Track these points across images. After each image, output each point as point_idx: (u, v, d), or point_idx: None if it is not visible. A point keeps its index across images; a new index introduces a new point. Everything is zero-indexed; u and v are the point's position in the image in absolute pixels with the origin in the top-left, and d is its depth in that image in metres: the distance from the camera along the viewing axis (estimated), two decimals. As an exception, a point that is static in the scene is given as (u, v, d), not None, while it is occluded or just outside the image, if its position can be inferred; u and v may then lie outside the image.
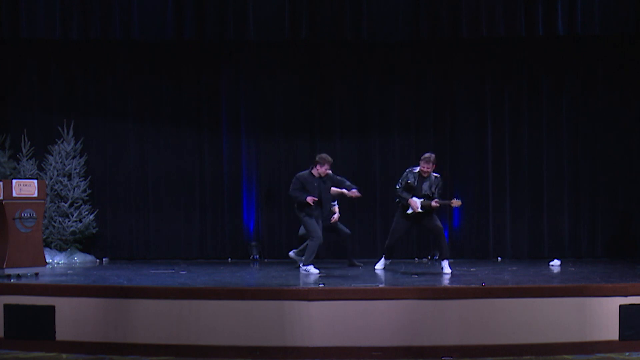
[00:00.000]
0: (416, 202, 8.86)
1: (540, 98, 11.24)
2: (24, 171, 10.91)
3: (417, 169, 8.97)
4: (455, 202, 8.92)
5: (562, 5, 9.99)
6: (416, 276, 8.51)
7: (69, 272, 9.30)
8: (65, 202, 11.01)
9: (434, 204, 8.78)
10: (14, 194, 9.47)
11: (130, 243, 11.40)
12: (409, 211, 8.94)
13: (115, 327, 7.01)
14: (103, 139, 11.42)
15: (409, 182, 8.94)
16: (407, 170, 9.09)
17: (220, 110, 11.43)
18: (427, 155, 8.95)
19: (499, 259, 11.05)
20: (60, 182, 11.01)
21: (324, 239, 9.16)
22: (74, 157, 11.14)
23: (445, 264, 8.92)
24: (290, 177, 10.25)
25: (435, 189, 8.92)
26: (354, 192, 9.17)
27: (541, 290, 7.03)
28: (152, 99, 11.42)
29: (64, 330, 7.09)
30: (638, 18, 9.97)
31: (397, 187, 9.07)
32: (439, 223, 9.00)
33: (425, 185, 8.89)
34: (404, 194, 8.96)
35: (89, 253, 11.20)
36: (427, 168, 8.86)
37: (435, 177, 8.97)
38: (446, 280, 8.19)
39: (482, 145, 11.29)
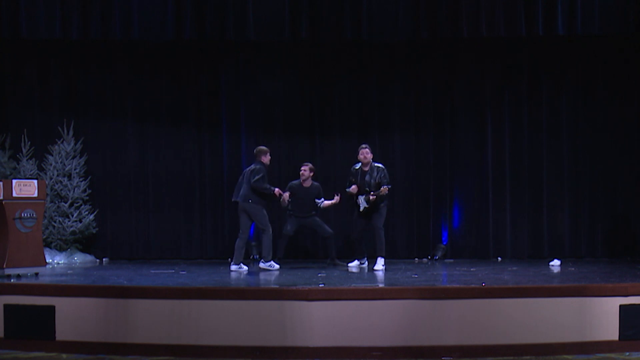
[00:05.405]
0: (360, 200, 9.41)
1: (540, 98, 11.24)
2: (24, 171, 10.91)
3: (358, 165, 9.53)
4: (383, 190, 9.24)
5: (562, 5, 10.00)
6: (416, 276, 8.51)
7: (69, 272, 9.30)
8: (65, 202, 11.01)
9: (370, 197, 9.24)
10: (14, 194, 9.50)
11: (130, 243, 11.39)
12: (361, 209, 9.40)
13: (115, 327, 7.01)
14: (103, 139, 11.42)
15: (352, 179, 9.51)
16: (351, 168, 9.65)
17: (220, 110, 11.43)
18: (362, 145, 9.57)
19: (499, 259, 11.05)
20: (60, 182, 11.01)
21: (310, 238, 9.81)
22: (74, 157, 11.14)
23: (380, 260, 9.37)
24: (290, 176, 10.31)
25: (378, 179, 9.34)
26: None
27: (541, 290, 7.03)
28: (152, 98, 11.42)
29: (64, 330, 7.09)
30: (638, 18, 9.97)
31: (347, 185, 9.58)
32: (377, 222, 9.37)
33: (368, 178, 9.37)
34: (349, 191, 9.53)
35: (89, 253, 11.20)
36: (363, 154, 9.38)
37: (377, 167, 9.43)
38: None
39: (482, 145, 11.28)
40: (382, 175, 9.39)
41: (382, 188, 9.26)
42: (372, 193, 9.26)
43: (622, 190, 11.16)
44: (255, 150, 9.55)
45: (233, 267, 9.29)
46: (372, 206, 9.35)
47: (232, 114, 11.44)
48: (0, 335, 7.23)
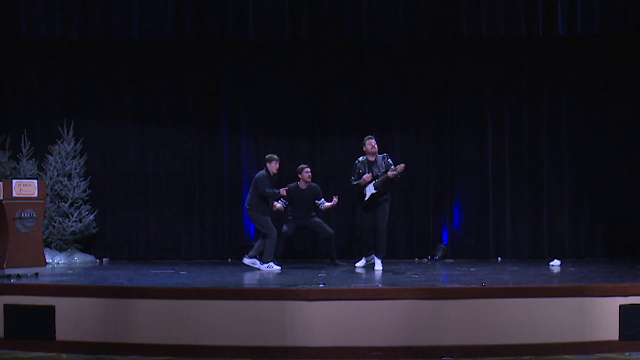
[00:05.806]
0: (368, 187, 9.36)
1: (540, 98, 11.25)
2: (24, 171, 10.91)
3: (363, 157, 9.53)
4: (399, 167, 9.26)
5: (562, 5, 10.00)
6: (416, 276, 8.51)
7: (69, 272, 9.30)
8: (65, 202, 11.01)
9: (389, 173, 9.18)
10: (14, 194, 9.51)
11: (130, 243, 11.39)
12: (367, 196, 9.34)
13: (115, 327, 7.01)
14: (103, 139, 11.42)
15: (360, 171, 9.45)
16: (355, 162, 9.60)
17: (220, 110, 11.43)
18: (367, 136, 9.58)
19: (499, 259, 11.05)
20: (60, 182, 11.01)
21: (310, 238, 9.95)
22: (74, 157, 11.14)
23: (377, 260, 9.40)
24: (290, 176, 10.30)
25: (385, 167, 9.37)
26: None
27: (541, 290, 7.03)
28: (152, 98, 11.42)
29: (64, 330, 7.09)
30: (638, 18, 9.97)
31: (352, 179, 9.52)
32: (380, 222, 9.34)
33: (375, 168, 9.36)
34: (359, 182, 9.48)
35: (89, 253, 11.20)
36: (371, 144, 9.39)
37: (382, 156, 9.49)
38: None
39: (482, 145, 11.28)
40: (388, 161, 9.44)
41: (398, 166, 9.27)
42: (392, 167, 9.26)
43: (622, 190, 11.16)
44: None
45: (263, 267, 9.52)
46: (379, 192, 9.28)
47: (232, 114, 11.44)
48: (0, 335, 7.23)
